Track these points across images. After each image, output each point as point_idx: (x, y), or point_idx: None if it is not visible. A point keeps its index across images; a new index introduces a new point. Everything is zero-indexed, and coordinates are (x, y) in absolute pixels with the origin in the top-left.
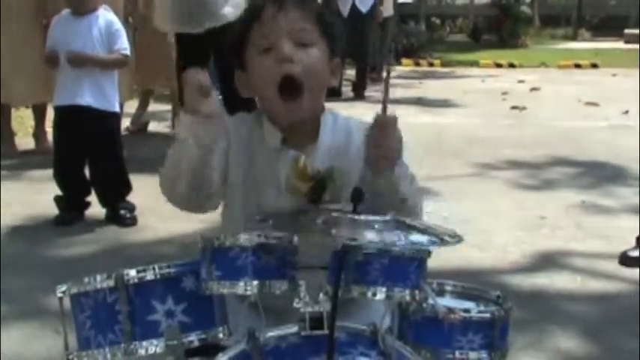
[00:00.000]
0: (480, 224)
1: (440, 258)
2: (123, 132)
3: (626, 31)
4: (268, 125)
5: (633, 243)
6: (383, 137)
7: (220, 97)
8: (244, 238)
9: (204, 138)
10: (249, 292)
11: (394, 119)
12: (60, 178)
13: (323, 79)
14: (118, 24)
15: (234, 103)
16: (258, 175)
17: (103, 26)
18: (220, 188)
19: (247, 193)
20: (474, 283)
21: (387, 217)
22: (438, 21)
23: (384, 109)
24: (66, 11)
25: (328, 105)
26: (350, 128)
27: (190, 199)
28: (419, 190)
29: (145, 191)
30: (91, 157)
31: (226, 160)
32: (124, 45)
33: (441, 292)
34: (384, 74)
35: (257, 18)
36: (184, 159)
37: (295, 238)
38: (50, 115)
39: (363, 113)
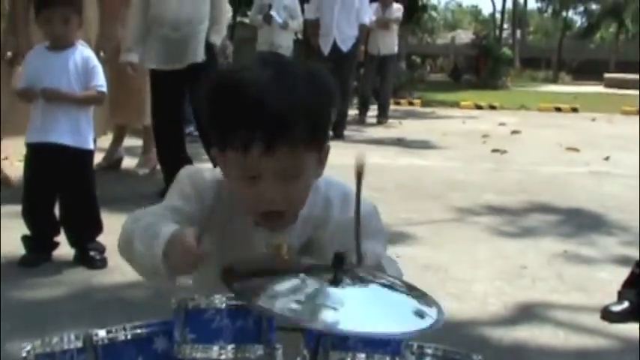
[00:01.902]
0: (459, 273)
1: None
2: (95, 168)
3: (606, 75)
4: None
5: (615, 296)
6: None
7: (197, 133)
8: (220, 300)
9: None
10: (223, 357)
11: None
12: (29, 217)
13: (309, 189)
14: (94, 60)
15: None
16: (231, 248)
17: (80, 62)
18: None
19: (221, 259)
20: (452, 336)
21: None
22: (418, 60)
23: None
24: (40, 45)
25: None
26: (330, 200)
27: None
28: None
29: (116, 231)
30: (62, 196)
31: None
32: (99, 82)
33: (421, 356)
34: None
35: (241, 148)
36: (146, 263)
37: None
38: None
39: (342, 154)
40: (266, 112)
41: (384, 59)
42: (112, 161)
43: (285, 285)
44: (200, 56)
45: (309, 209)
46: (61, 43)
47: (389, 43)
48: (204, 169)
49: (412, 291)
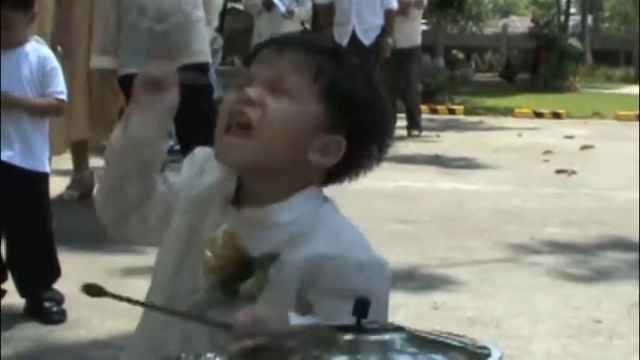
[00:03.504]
0: (515, 328)
1: None
2: (61, 198)
3: None
4: (230, 176)
5: None
6: None
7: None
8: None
9: (136, 127)
10: None
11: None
12: None
13: (292, 135)
14: (53, 61)
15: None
16: (196, 233)
17: (35, 64)
18: (148, 214)
19: (184, 256)
20: None
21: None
22: (460, 55)
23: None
24: None
25: None
26: (321, 223)
27: (111, 199)
28: None
29: (77, 277)
30: (8, 231)
31: (172, 198)
32: (59, 87)
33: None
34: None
35: (249, 61)
36: (111, 145)
37: None
38: None
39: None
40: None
41: (403, 53)
42: (85, 190)
43: None
44: (194, 55)
45: (300, 218)
46: (8, 43)
47: (409, 33)
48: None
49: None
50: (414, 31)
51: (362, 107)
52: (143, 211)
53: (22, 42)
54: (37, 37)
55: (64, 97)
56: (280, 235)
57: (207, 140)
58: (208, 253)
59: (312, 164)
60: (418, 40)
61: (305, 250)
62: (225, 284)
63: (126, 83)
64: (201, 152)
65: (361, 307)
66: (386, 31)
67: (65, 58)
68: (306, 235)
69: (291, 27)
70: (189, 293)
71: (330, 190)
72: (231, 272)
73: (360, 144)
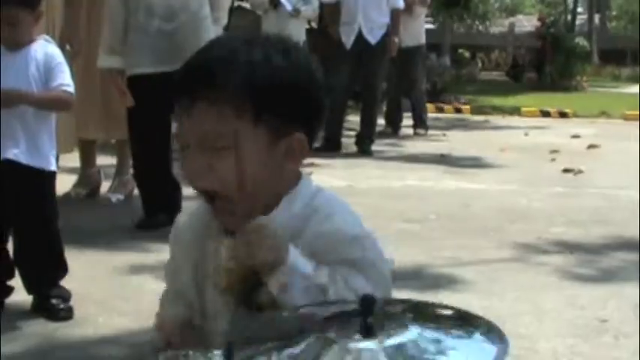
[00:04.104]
0: (521, 328)
1: None
2: (68, 196)
3: None
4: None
5: None
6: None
7: None
8: (219, 358)
9: None
10: None
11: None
12: None
13: (255, 182)
14: (59, 57)
15: None
16: (204, 271)
17: (42, 61)
18: None
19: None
20: None
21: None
22: (467, 53)
23: None
24: None
25: (323, 162)
26: (316, 210)
27: None
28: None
29: (84, 274)
30: (16, 229)
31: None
32: (65, 80)
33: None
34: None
35: (180, 108)
36: None
37: None
38: None
39: (369, 174)
40: (191, 64)
41: (408, 53)
42: (92, 187)
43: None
44: None
45: (288, 221)
46: (15, 44)
47: (413, 32)
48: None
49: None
50: (418, 29)
51: (295, 89)
52: None
53: (30, 41)
54: (45, 36)
55: (70, 89)
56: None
57: None
58: (218, 268)
59: (287, 172)
60: (422, 39)
61: (305, 238)
62: (242, 299)
63: (134, 83)
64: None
65: (367, 305)
66: (392, 29)
67: (74, 57)
68: (305, 225)
69: (298, 25)
70: (213, 319)
71: (336, 189)
72: (243, 285)
73: (308, 124)
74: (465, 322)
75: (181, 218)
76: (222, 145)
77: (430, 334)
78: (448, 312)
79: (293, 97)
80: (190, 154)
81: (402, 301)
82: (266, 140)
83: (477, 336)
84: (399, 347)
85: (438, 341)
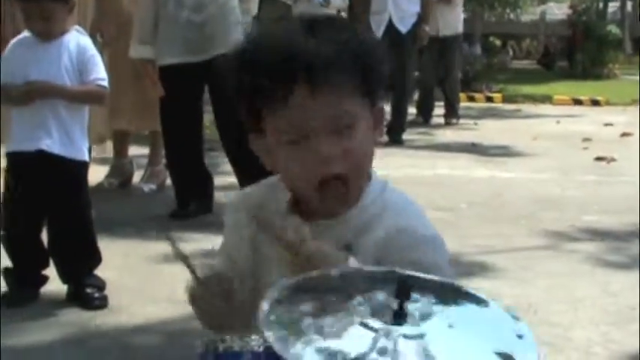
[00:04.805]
0: (554, 315)
1: None
2: (101, 186)
3: None
4: (280, 190)
5: None
6: None
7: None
8: (257, 341)
9: None
10: None
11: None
12: (10, 245)
13: (370, 155)
14: (92, 49)
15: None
16: (262, 256)
17: (75, 53)
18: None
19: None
20: None
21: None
22: (498, 42)
23: None
24: (27, 34)
25: None
26: (385, 204)
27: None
28: None
29: (117, 263)
30: (50, 219)
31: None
32: (100, 74)
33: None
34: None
35: (281, 99)
36: None
37: None
38: None
39: (401, 163)
40: (306, 50)
41: (445, 42)
42: (125, 178)
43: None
44: (231, 45)
45: (366, 211)
46: (49, 35)
47: (451, 21)
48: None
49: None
50: (455, 19)
51: (383, 62)
52: None
53: (63, 32)
54: (77, 27)
55: (105, 83)
56: (350, 226)
57: (244, 127)
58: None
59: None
60: (460, 28)
61: (375, 233)
62: None
63: (164, 73)
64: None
65: (404, 290)
66: (422, 18)
67: (105, 47)
68: (376, 219)
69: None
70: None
71: None
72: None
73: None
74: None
75: (236, 197)
76: (345, 124)
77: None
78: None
79: (382, 70)
80: (322, 141)
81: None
82: (369, 116)
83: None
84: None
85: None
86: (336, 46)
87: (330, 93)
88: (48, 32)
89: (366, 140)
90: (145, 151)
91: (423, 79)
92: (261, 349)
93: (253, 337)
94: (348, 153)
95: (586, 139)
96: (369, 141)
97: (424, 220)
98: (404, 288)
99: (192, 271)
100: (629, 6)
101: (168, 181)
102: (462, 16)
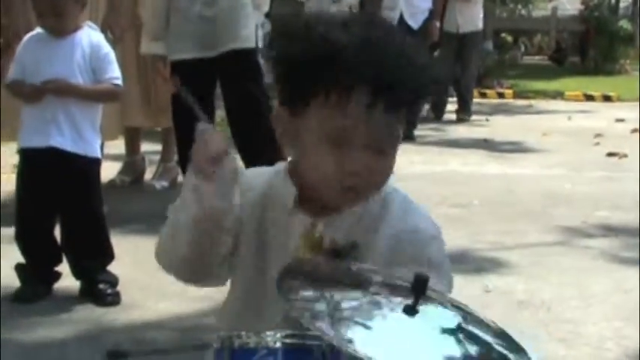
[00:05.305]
0: (566, 311)
1: None
2: (113, 183)
3: None
4: (286, 181)
5: None
6: None
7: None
8: (273, 337)
9: (212, 200)
10: None
11: None
12: (23, 241)
13: (390, 176)
14: (106, 46)
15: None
16: (267, 245)
17: (88, 50)
18: (229, 258)
19: (255, 267)
20: None
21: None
22: (509, 38)
23: None
24: (40, 30)
25: None
26: (387, 203)
27: (192, 265)
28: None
29: (130, 259)
30: (63, 215)
31: (239, 226)
32: (115, 73)
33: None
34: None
35: (338, 102)
36: (185, 217)
37: None
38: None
39: (413, 160)
40: (374, 60)
41: (464, 38)
42: (137, 174)
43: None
44: (242, 40)
45: (363, 208)
46: (62, 31)
47: (471, 17)
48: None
49: (498, 337)
50: (475, 15)
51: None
52: (226, 263)
53: (75, 29)
54: (89, 23)
55: (119, 82)
56: (357, 224)
57: (256, 123)
58: (301, 249)
59: None
60: (480, 25)
61: (384, 232)
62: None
63: (176, 69)
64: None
65: (420, 283)
66: (434, 14)
67: (115, 43)
68: (383, 218)
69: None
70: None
71: None
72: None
73: None
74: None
75: (249, 175)
76: (384, 147)
77: None
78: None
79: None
80: (354, 154)
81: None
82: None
83: None
84: None
85: None
86: (415, 71)
87: (393, 114)
88: (60, 29)
89: (393, 162)
90: (157, 147)
91: None
92: (277, 344)
93: (269, 333)
94: (378, 173)
95: (598, 135)
96: (394, 162)
97: (430, 219)
98: (421, 283)
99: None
100: None
101: (180, 178)
102: (481, 13)
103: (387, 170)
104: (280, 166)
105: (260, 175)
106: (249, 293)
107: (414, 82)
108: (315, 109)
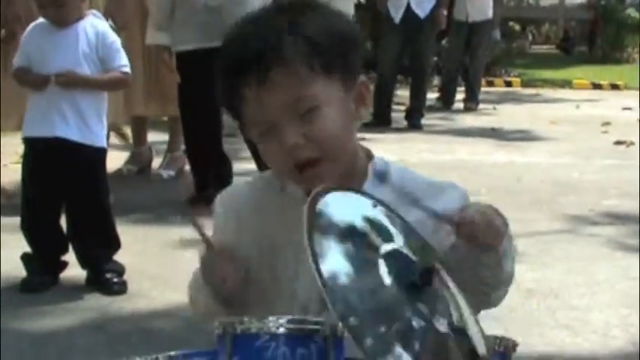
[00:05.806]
0: (573, 299)
1: (523, 343)
2: (120, 173)
3: None
4: (290, 183)
5: None
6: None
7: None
8: (275, 323)
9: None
10: None
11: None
12: (29, 231)
13: (344, 133)
14: (112, 35)
15: None
16: (273, 244)
17: (94, 39)
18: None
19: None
20: None
21: None
22: (517, 27)
23: None
24: (44, 20)
25: (373, 137)
26: (404, 187)
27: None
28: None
29: (136, 248)
30: (69, 205)
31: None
32: (122, 61)
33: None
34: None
35: (239, 95)
36: (203, 298)
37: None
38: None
39: (420, 148)
40: (253, 35)
41: (474, 27)
42: (144, 164)
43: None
44: None
45: (377, 194)
46: (65, 21)
47: (481, 6)
48: (235, 183)
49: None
50: (485, 4)
51: (353, 40)
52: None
53: (78, 18)
54: (94, 12)
55: (128, 69)
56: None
57: None
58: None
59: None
60: (490, 14)
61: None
62: None
63: (181, 59)
64: (217, 204)
65: (426, 275)
66: (441, 2)
67: (118, 33)
68: (388, 195)
69: (346, 1)
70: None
71: None
72: None
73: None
74: None
75: (225, 196)
76: (308, 107)
77: None
78: None
79: (353, 48)
80: (283, 130)
81: None
82: (341, 94)
83: None
84: None
85: None
86: (282, 32)
87: (281, 81)
88: (62, 19)
89: (335, 119)
90: (164, 137)
91: (448, 64)
92: (280, 330)
93: (271, 318)
94: (314, 137)
95: (605, 124)
96: (340, 119)
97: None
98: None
99: (206, 240)
100: None
101: (187, 167)
102: (491, 1)
103: (324, 131)
104: (258, 175)
105: (237, 195)
106: (260, 294)
107: (302, 40)
108: (242, 116)
